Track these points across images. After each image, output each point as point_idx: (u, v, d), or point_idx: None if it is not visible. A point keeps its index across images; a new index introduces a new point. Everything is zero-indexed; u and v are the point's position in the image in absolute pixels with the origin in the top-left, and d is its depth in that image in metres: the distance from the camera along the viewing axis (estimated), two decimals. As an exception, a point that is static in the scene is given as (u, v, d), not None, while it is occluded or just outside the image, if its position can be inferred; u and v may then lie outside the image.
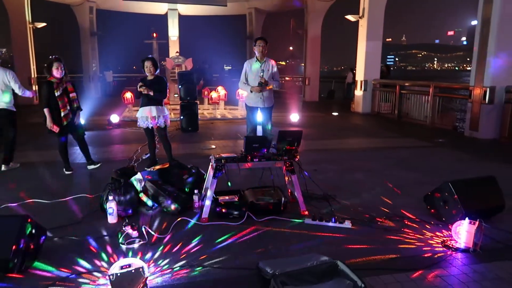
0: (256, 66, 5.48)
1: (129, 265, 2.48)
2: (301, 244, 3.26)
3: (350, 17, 12.91)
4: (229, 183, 3.74)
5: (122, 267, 2.46)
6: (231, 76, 22.38)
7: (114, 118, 9.49)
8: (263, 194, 4.14)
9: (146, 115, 5.34)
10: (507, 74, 8.02)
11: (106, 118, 10.22)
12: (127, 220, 3.63)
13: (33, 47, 14.83)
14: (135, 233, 3.38)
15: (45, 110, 5.09)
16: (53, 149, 7.07)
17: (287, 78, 22.37)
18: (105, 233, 3.45)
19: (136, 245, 3.22)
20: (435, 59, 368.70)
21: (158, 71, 5.45)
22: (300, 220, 3.70)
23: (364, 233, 3.48)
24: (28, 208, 4.09)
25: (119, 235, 3.36)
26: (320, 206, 4.07)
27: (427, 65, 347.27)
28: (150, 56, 5.50)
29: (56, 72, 5.06)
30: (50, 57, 5.13)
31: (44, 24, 14.89)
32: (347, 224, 3.59)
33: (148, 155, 6.41)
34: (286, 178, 4.15)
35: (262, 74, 5.34)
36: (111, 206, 3.66)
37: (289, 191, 4.21)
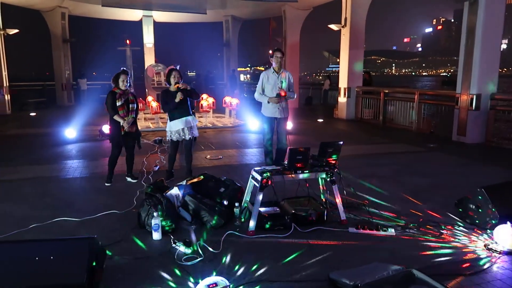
0: (274, 77, 5.54)
1: (216, 284, 2.46)
2: (356, 253, 3.33)
3: (333, 26, 13.26)
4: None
5: (209, 286, 2.44)
6: (208, 83, 22.28)
7: (106, 129, 9.19)
8: (300, 204, 4.20)
9: (181, 128, 5.29)
10: (492, 81, 8.56)
11: (95, 128, 9.92)
12: (172, 237, 3.58)
13: (5, 54, 14.12)
14: (188, 250, 3.32)
15: (115, 117, 5.25)
16: (48, 163, 6.81)
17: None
18: (155, 251, 3.37)
19: (193, 263, 3.16)
20: (393, 64, 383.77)
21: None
22: (344, 229, 3.78)
23: (408, 239, 3.61)
24: (58, 226, 3.92)
25: (173, 252, 3.30)
26: (355, 214, 4.17)
27: (386, 71, 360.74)
28: (175, 67, 5.42)
29: (122, 84, 5.20)
30: (122, 68, 5.33)
31: (16, 30, 14.21)
32: (391, 231, 3.70)
33: (158, 167, 6.31)
34: (321, 188, 4.23)
35: (280, 85, 5.40)
36: (156, 223, 3.58)
37: (324, 200, 4.27)
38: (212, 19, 21.24)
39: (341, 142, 3.97)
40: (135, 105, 5.41)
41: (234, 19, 20.61)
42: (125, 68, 5.29)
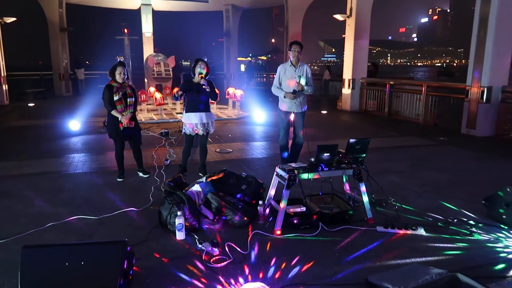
0: (291, 71, 5.38)
1: (257, 291, 2.35)
2: (389, 254, 3.23)
3: (338, 17, 13.07)
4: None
5: (250, 293, 2.33)
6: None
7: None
8: (324, 202, 4.10)
9: (196, 122, 5.11)
10: (503, 74, 8.45)
11: (98, 120, 9.72)
12: (197, 237, 3.47)
13: (2, 43, 13.77)
14: (216, 251, 3.21)
15: (113, 112, 5.04)
16: (56, 156, 6.64)
17: (271, 76, 22.32)
18: (181, 252, 3.25)
19: (223, 265, 3.05)
20: (389, 55, 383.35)
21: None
22: (372, 228, 3.68)
23: (440, 239, 3.51)
24: (76, 225, 3.78)
25: (201, 253, 3.18)
26: (381, 212, 4.07)
27: (381, 61, 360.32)
28: (203, 58, 5.21)
29: (119, 77, 4.96)
30: (119, 60, 5.13)
31: (14, 19, 13.84)
32: (421, 230, 3.61)
33: (169, 161, 6.17)
34: (347, 185, 4.12)
35: (298, 80, 5.24)
36: (180, 222, 3.45)
37: (348, 197, 4.16)
38: (212, 8, 20.90)
39: (369, 139, 3.84)
40: (134, 98, 5.15)
41: (235, 8, 20.29)
42: (122, 60, 5.09)
